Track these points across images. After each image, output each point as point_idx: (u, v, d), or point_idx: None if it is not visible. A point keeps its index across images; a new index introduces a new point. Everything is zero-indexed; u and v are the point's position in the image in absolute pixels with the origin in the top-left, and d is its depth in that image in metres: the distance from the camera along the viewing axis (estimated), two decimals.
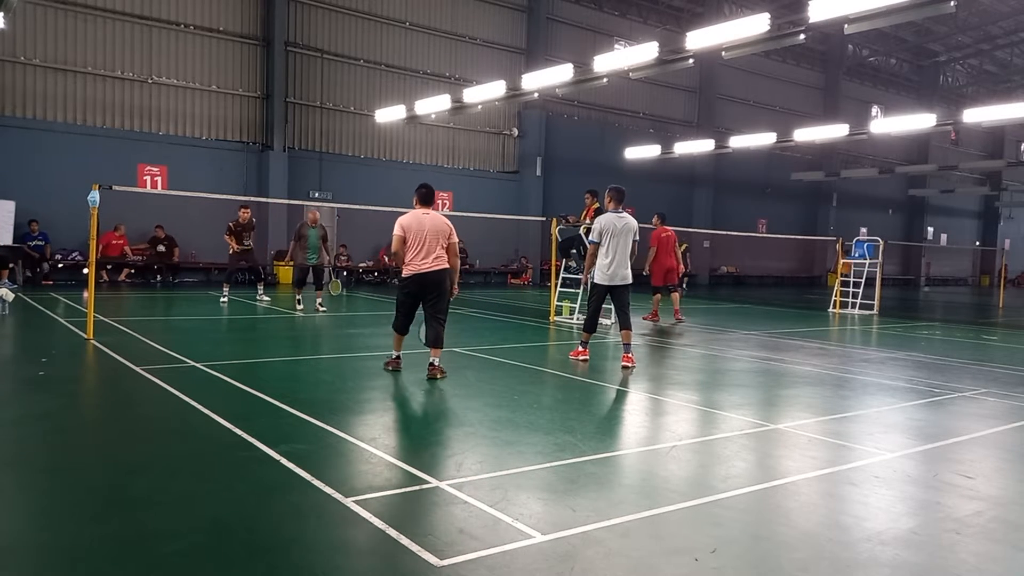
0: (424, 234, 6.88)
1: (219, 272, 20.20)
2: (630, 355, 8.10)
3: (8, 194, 16.79)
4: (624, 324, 8.22)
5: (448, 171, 24.05)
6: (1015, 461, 5.02)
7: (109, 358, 7.67)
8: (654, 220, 13.59)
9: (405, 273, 7.00)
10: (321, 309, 13.12)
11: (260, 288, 14.96)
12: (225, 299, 13.89)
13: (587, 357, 8.38)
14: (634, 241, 8.25)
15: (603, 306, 8.64)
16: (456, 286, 7.20)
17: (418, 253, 6.88)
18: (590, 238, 8.43)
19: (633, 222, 8.30)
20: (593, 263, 8.30)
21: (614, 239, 8.12)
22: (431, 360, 7.07)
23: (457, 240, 7.14)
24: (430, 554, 3.07)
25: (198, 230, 19.24)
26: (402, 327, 7.24)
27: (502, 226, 23.65)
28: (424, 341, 7.15)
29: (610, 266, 8.15)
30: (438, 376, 6.96)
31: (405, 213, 7.05)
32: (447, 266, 7.01)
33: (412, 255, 6.90)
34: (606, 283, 8.23)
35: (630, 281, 8.30)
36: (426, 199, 7.11)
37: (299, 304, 13.12)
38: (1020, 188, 37.29)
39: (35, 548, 3.15)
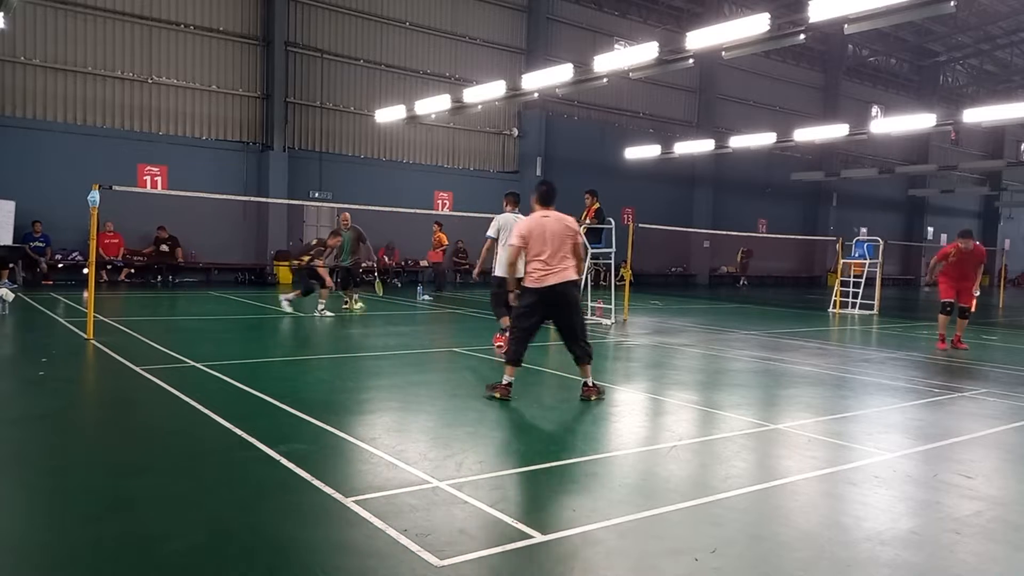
0: (545, 237, 6.11)
1: (219, 272, 20.24)
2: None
3: (8, 194, 16.78)
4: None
5: (448, 171, 24.04)
6: (1015, 461, 5.02)
7: (109, 358, 7.66)
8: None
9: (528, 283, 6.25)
10: (344, 308, 13.24)
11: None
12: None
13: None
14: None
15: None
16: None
17: (540, 258, 6.07)
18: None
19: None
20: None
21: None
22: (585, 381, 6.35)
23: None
24: (430, 554, 3.07)
25: (198, 230, 19.27)
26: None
27: None
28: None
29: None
30: (592, 397, 6.22)
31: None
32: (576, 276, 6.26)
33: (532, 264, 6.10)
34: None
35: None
36: (546, 198, 6.38)
37: (356, 302, 13.23)
38: (1020, 188, 37.24)
39: (35, 548, 3.15)
